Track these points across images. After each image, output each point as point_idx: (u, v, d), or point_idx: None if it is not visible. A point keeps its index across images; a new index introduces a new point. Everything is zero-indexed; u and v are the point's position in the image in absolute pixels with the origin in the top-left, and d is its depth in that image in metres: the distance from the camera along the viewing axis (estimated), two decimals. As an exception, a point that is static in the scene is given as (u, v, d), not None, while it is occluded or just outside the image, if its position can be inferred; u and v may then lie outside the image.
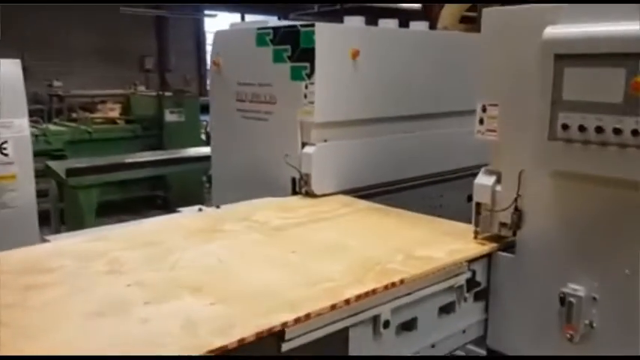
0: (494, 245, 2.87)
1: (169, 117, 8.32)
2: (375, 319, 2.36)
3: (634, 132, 2.24)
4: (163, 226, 3.23)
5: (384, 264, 2.58)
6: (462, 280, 2.73)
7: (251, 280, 2.42)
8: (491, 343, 2.93)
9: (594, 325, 2.53)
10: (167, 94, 8.53)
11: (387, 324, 2.38)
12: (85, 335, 1.94)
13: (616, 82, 2.28)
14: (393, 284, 2.39)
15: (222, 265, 2.59)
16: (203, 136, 9.05)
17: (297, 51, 3.73)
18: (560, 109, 2.45)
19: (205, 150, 7.46)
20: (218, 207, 3.58)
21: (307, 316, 2.07)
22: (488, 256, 2.86)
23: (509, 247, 2.86)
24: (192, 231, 3.07)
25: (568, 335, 2.57)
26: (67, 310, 2.13)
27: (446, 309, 2.72)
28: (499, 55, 2.77)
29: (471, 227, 2.98)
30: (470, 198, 4.93)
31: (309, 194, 3.78)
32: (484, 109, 2.84)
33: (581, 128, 2.38)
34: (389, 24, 4.19)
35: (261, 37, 3.96)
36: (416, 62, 4.28)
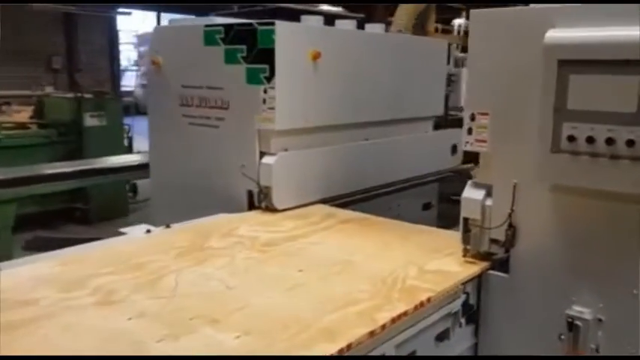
0: (485, 264, 2.67)
1: (89, 121, 7.64)
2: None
3: (649, 144, 2.09)
4: (139, 245, 2.87)
5: (403, 280, 2.44)
6: (458, 304, 2.51)
7: (268, 306, 2.18)
8: (481, 368, 2.73)
9: (599, 349, 2.37)
10: (86, 95, 7.85)
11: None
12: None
13: (629, 90, 2.12)
14: (422, 304, 2.23)
15: (231, 291, 2.33)
16: (126, 142, 8.42)
17: (254, 51, 3.39)
18: (565, 118, 2.27)
19: (130, 158, 6.92)
20: (168, 226, 3.18)
21: (349, 347, 1.89)
22: (479, 276, 2.66)
23: (500, 265, 2.66)
24: (177, 250, 2.78)
25: (574, 361, 2.41)
26: (64, 353, 1.81)
27: (440, 336, 2.49)
28: (490, 59, 2.56)
29: (453, 236, 2.82)
30: (426, 206, 4.83)
31: (269, 209, 3.45)
32: (473, 118, 2.62)
33: (590, 140, 2.21)
34: (346, 25, 3.93)
35: (211, 35, 3.58)
36: (376, 66, 4.04)
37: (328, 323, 2.02)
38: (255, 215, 3.44)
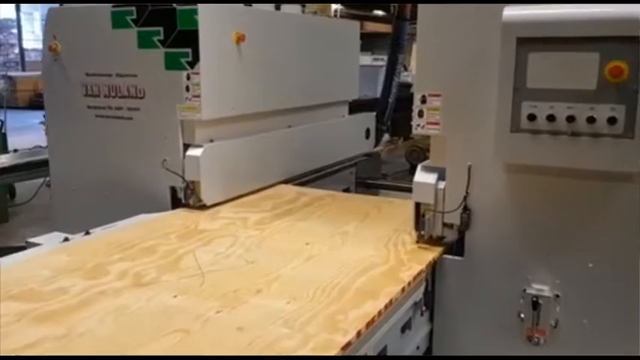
0: (439, 249, 2.62)
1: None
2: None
3: (610, 120, 2.11)
4: (132, 229, 2.87)
5: (403, 244, 2.66)
6: (420, 293, 2.43)
7: (299, 275, 2.33)
8: (439, 354, 2.69)
9: (559, 324, 2.41)
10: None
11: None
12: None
13: (588, 67, 2.13)
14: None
15: (254, 265, 2.43)
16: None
17: (174, 34, 3.09)
18: (524, 97, 2.25)
19: (5, 158, 6.18)
20: (88, 233, 2.82)
21: (390, 302, 2.08)
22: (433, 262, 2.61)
23: (454, 249, 2.63)
24: (175, 232, 2.83)
25: (536, 339, 2.42)
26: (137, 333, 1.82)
27: (404, 327, 2.40)
28: (441, 38, 2.48)
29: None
30: (345, 192, 4.76)
31: (195, 206, 3.19)
32: (424, 100, 2.54)
33: (550, 118, 2.20)
34: (265, 5, 3.71)
35: (120, 16, 3.22)
36: (295, 49, 3.87)
37: (361, 285, 2.20)
38: (182, 214, 3.16)
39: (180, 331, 1.82)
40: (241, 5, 3.41)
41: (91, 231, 2.83)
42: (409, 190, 3.64)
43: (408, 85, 7.40)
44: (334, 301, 2.05)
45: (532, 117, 2.23)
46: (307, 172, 4.05)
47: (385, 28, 9.96)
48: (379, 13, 11.97)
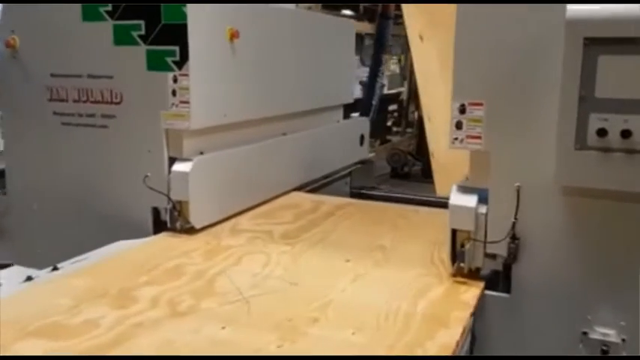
0: (480, 284, 2.24)
1: None
2: None
3: (701, 137, 1.77)
4: (143, 251, 2.54)
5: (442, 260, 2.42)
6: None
7: (352, 299, 2.12)
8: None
9: (624, 374, 2.06)
10: None
11: None
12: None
13: (675, 74, 1.78)
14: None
15: (298, 288, 2.21)
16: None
17: (158, 29, 2.63)
18: (592, 109, 1.89)
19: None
20: (56, 268, 2.34)
21: (463, 331, 1.90)
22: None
23: (495, 284, 2.26)
24: (197, 251, 2.54)
25: (602, 392, 2.07)
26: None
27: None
28: (483, 36, 2.10)
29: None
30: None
31: (182, 229, 2.74)
32: (462, 110, 2.16)
33: (625, 134, 1.84)
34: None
35: (92, 7, 2.74)
36: (290, 48, 3.44)
37: (425, 310, 2.01)
38: (165, 239, 2.71)
39: None
40: (231, -2, 2.96)
41: (59, 265, 2.36)
42: (406, 201, 3.29)
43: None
44: (403, 330, 1.87)
45: (602, 132, 1.87)
46: (304, 185, 3.64)
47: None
48: (347, 12, 11.63)
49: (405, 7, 7.23)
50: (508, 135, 2.11)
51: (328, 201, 3.41)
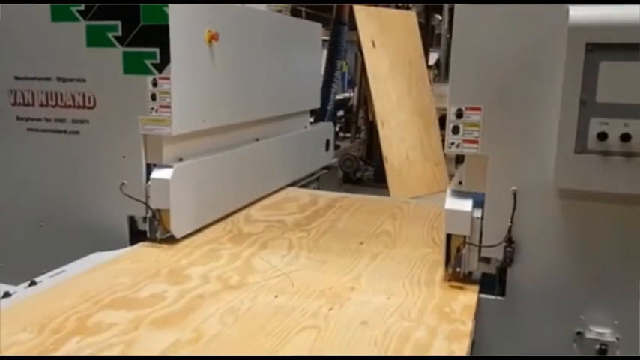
0: (474, 287, 2.24)
1: None
2: None
3: (698, 141, 1.83)
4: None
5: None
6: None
7: (378, 271, 2.41)
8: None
9: (619, 373, 2.11)
10: None
11: None
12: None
13: (672, 79, 1.84)
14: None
15: (326, 265, 2.46)
16: None
17: (136, 30, 2.51)
18: (593, 113, 1.92)
19: None
20: (34, 283, 2.19)
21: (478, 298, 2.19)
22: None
23: (493, 288, 2.27)
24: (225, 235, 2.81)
25: (599, 391, 2.10)
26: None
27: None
28: (484, 40, 2.10)
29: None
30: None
31: (161, 239, 2.63)
32: (459, 115, 2.16)
33: (625, 138, 1.89)
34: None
35: (62, 7, 2.59)
36: (265, 52, 3.37)
37: (440, 279, 2.29)
38: (147, 250, 2.59)
39: (309, 328, 1.86)
40: (210, -1, 2.87)
41: (37, 280, 2.20)
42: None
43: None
44: (428, 294, 2.15)
45: (603, 136, 1.91)
46: (277, 191, 3.57)
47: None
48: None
49: (357, 13, 7.31)
50: (505, 139, 2.12)
51: (323, 195, 3.66)
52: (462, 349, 1.79)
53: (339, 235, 2.88)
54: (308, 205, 3.42)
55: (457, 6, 2.13)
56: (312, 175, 4.18)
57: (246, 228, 2.92)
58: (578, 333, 2.13)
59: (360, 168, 8.37)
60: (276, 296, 2.11)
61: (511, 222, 2.15)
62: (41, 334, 1.76)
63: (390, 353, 1.74)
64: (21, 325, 1.81)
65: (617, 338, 2.10)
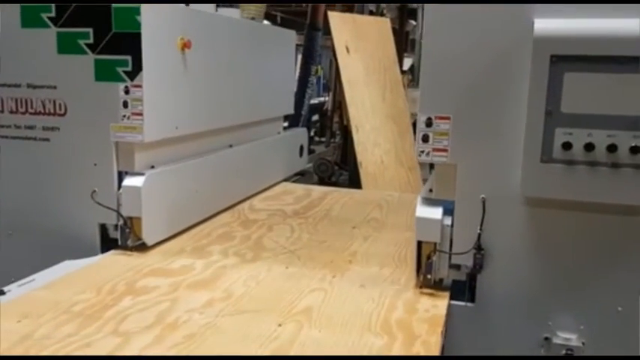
0: (445, 294, 2.28)
1: None
2: None
3: (658, 150, 1.88)
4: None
5: None
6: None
7: (370, 250, 2.80)
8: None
9: (584, 375, 2.16)
10: None
11: None
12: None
13: (633, 90, 1.89)
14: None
15: (328, 243, 2.86)
16: None
17: (108, 37, 2.50)
18: (558, 123, 1.97)
19: None
20: (2, 292, 2.16)
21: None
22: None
23: (463, 294, 2.30)
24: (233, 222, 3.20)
25: (565, 395, 2.15)
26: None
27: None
28: (452, 51, 2.14)
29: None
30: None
31: (133, 247, 2.62)
32: (429, 123, 2.19)
33: (589, 147, 1.94)
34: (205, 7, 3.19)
35: (33, 13, 2.57)
36: (237, 58, 3.37)
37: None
38: (122, 258, 2.58)
39: (318, 290, 2.27)
40: (183, 5, 2.87)
41: (5, 289, 2.18)
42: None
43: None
44: (411, 266, 2.38)
45: (567, 145, 1.96)
46: (251, 196, 3.58)
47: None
48: (265, 22, 11.60)
49: (331, 18, 7.33)
50: (474, 148, 2.16)
51: (315, 189, 4.09)
52: (444, 304, 2.18)
53: (333, 221, 3.27)
54: (303, 197, 3.79)
55: (426, 16, 2.16)
56: (286, 180, 4.18)
57: (252, 215, 3.31)
58: (546, 338, 2.18)
59: (335, 172, 8.39)
60: (287, 267, 2.51)
61: (480, 229, 2.18)
62: None
63: (385, 308, 2.10)
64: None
65: (583, 343, 2.15)
